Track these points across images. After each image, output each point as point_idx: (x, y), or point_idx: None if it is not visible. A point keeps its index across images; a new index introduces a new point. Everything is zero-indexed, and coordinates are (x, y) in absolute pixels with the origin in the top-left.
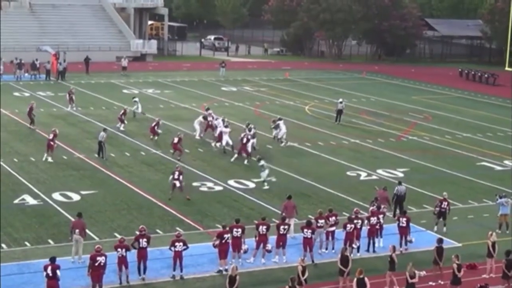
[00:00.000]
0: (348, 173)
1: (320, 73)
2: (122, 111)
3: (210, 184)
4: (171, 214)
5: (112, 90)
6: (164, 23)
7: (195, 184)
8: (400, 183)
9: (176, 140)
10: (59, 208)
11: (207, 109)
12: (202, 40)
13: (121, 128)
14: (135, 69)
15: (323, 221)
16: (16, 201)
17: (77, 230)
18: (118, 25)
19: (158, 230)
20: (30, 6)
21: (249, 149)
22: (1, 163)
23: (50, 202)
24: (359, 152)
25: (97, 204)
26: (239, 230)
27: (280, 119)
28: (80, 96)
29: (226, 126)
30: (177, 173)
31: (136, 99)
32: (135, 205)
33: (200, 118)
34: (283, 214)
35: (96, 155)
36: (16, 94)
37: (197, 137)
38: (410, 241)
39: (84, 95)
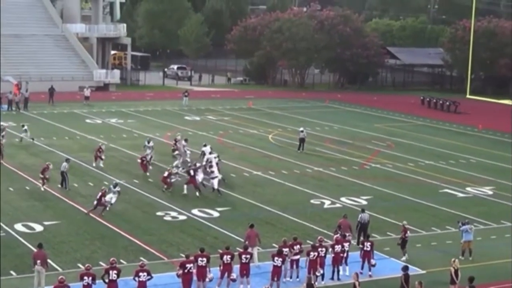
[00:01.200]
0: (312, 201)
1: (283, 101)
2: (97, 148)
3: (174, 214)
4: (135, 244)
5: (75, 120)
6: (127, 53)
7: (158, 213)
8: (363, 211)
9: (166, 174)
10: (21, 239)
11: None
12: (165, 69)
13: (100, 165)
14: (98, 99)
15: (287, 249)
16: None
17: (38, 261)
18: (81, 55)
19: (122, 260)
20: None
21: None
22: None
23: (13, 233)
24: (322, 180)
25: (60, 235)
26: (204, 259)
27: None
28: (43, 126)
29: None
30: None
31: (26, 127)
32: (98, 235)
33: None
34: (246, 242)
35: (59, 186)
36: None
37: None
38: (374, 265)
39: (47, 125)
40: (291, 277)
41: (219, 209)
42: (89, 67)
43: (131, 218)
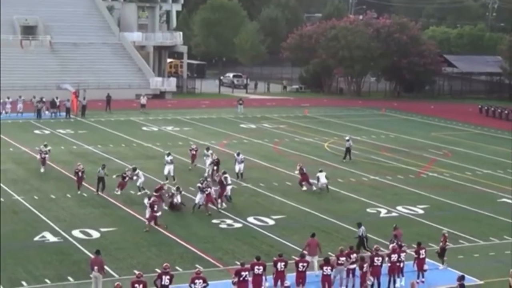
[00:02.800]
0: (368, 209)
1: (339, 110)
2: (128, 173)
3: (229, 221)
4: (191, 251)
5: (132, 128)
6: (183, 61)
7: (214, 221)
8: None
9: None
10: (79, 245)
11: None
12: (221, 77)
13: (118, 193)
14: (155, 107)
15: (344, 258)
16: (36, 238)
17: (95, 268)
18: (137, 63)
19: (177, 267)
20: (51, 44)
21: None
22: (22, 200)
23: (70, 239)
24: (378, 189)
25: (116, 241)
26: (261, 267)
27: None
28: (100, 134)
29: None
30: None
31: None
32: (155, 242)
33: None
34: (304, 251)
35: (95, 192)
36: (37, 132)
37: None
38: (425, 270)
39: (104, 132)
40: (346, 286)
41: (274, 217)
42: (146, 75)
43: (187, 225)
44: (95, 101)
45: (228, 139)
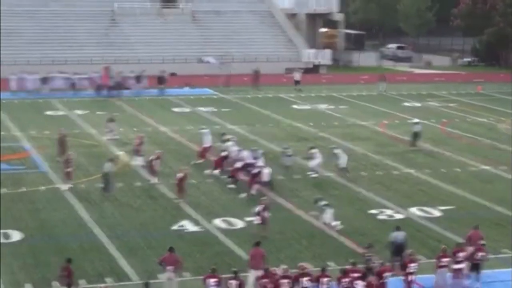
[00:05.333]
0: None
1: None
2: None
3: (389, 212)
4: (344, 246)
5: (281, 106)
6: (340, 31)
7: (372, 211)
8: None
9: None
10: (220, 236)
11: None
12: (382, 49)
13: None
14: (307, 82)
15: (447, 259)
16: (174, 227)
17: (170, 267)
18: (288, 33)
19: (329, 263)
20: (192, 13)
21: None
22: (160, 185)
23: (211, 229)
24: None
25: None
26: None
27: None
28: (245, 112)
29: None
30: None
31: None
32: (305, 234)
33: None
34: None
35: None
36: (176, 109)
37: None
38: None
39: (250, 110)
40: None
41: (441, 207)
42: (297, 46)
43: (342, 215)
44: (241, 76)
45: (390, 119)
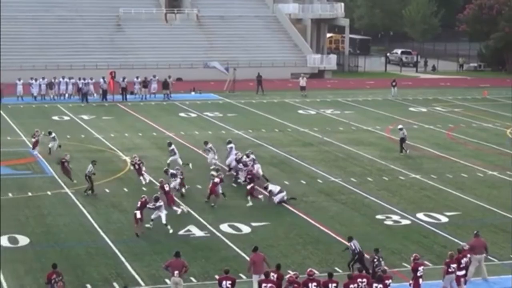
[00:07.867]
0: None
1: None
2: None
3: (396, 217)
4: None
5: (286, 111)
6: (345, 36)
7: (378, 217)
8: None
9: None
10: (227, 241)
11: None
12: (388, 54)
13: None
14: (312, 87)
15: (455, 265)
16: (181, 232)
17: (176, 272)
18: (293, 38)
19: (336, 268)
20: (198, 18)
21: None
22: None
23: (218, 234)
24: None
25: (268, 238)
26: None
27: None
28: (251, 117)
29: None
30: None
31: (54, 134)
32: (311, 239)
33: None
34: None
35: (84, 192)
36: (182, 115)
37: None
38: None
39: (255, 115)
40: None
41: (448, 213)
42: (303, 51)
43: (347, 221)
44: (246, 81)
45: (395, 124)
